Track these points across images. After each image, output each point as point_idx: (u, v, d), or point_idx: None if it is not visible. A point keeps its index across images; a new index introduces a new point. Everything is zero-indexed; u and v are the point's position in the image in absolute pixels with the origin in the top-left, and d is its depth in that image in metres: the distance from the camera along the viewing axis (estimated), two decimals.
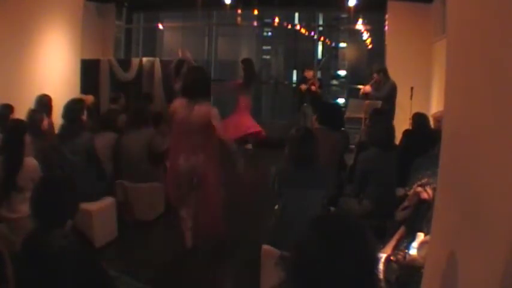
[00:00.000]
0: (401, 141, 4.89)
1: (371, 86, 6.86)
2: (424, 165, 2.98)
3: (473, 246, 1.57)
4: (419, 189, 2.74)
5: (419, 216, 2.76)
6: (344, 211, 3.61)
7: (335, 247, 1.22)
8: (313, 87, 7.76)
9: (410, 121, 5.09)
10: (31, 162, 3.38)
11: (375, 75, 6.82)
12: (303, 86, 7.77)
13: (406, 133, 4.99)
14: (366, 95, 7.00)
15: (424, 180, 2.75)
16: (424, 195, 2.73)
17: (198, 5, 7.91)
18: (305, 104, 7.76)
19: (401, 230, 2.97)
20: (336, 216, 1.54)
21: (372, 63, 9.50)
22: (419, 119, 4.90)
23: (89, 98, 5.95)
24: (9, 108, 4.42)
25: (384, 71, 6.77)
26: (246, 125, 8.13)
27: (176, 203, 4.06)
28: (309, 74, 7.90)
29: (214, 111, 3.83)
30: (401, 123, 5.66)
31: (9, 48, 5.11)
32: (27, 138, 3.42)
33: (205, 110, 3.78)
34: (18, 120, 3.82)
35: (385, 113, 5.34)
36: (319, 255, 1.21)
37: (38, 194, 2.15)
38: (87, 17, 7.02)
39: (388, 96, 6.59)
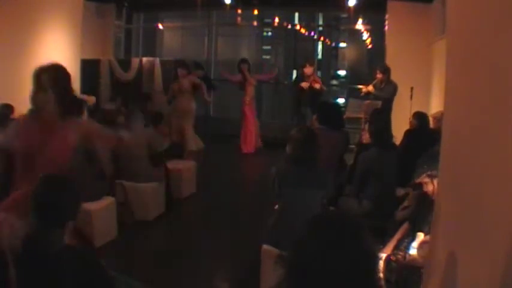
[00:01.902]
0: (403, 140, 4.89)
1: (373, 85, 6.92)
2: (428, 163, 2.95)
3: (474, 246, 1.57)
4: (427, 179, 2.70)
5: (421, 215, 2.76)
6: (343, 211, 3.60)
7: (330, 245, 1.22)
8: (317, 85, 7.30)
9: (412, 120, 5.07)
10: None
11: (379, 74, 6.88)
12: (305, 84, 7.30)
13: (408, 133, 4.98)
14: (368, 94, 7.05)
15: (433, 172, 2.68)
16: (429, 188, 2.69)
17: (198, 5, 7.90)
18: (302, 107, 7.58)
19: (402, 230, 2.97)
20: (332, 214, 1.54)
21: (372, 63, 9.51)
22: (422, 118, 4.90)
23: (91, 99, 5.95)
24: (9, 108, 4.41)
25: (388, 72, 6.86)
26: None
27: None
28: (308, 70, 7.40)
29: None
30: (401, 123, 5.67)
31: (9, 48, 5.11)
32: None
33: None
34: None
35: (384, 112, 5.36)
36: (315, 253, 1.21)
37: (38, 194, 2.15)
38: (87, 17, 7.02)
39: (390, 96, 6.67)
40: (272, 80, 8.44)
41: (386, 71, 6.86)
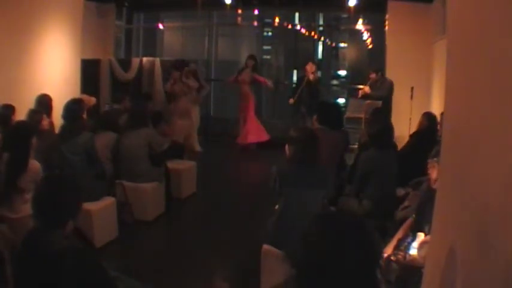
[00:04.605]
0: (412, 141, 4.85)
1: (370, 86, 7.01)
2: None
3: (474, 246, 1.57)
4: (435, 164, 2.68)
5: (422, 215, 2.76)
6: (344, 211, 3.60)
7: (338, 239, 1.23)
8: (311, 76, 7.52)
9: (421, 120, 4.99)
10: (35, 164, 3.40)
11: (373, 74, 7.00)
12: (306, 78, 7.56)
13: (417, 133, 4.92)
14: (366, 95, 7.12)
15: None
16: (433, 174, 2.67)
17: (198, 5, 7.89)
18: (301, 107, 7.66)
19: (403, 230, 2.97)
20: (339, 212, 1.57)
21: (372, 63, 9.53)
22: (432, 119, 4.82)
23: (92, 100, 5.94)
24: (10, 108, 4.40)
25: (381, 71, 6.95)
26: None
27: None
28: (311, 67, 7.59)
29: None
30: (401, 124, 5.67)
31: (9, 48, 5.10)
32: (34, 141, 3.43)
33: None
34: (25, 123, 3.82)
35: (384, 112, 5.38)
36: (324, 252, 1.23)
37: (39, 193, 2.15)
38: (87, 17, 7.00)
39: (388, 94, 6.73)
40: (265, 86, 8.59)
41: (379, 70, 7.00)
